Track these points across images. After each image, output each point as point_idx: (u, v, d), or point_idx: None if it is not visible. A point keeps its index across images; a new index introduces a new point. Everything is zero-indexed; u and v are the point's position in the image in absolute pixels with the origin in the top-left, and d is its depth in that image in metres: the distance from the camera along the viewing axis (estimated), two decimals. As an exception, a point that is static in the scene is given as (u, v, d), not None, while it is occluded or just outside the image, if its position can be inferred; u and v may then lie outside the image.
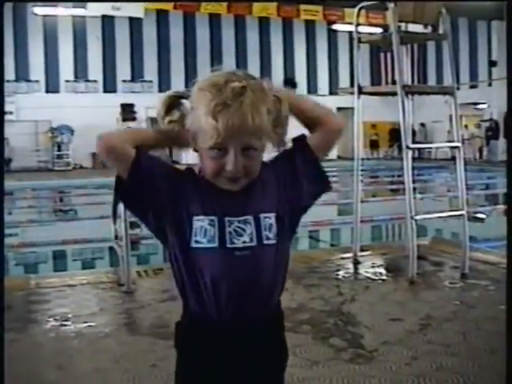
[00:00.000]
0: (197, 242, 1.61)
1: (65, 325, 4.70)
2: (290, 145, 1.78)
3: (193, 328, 1.69)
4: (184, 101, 1.67)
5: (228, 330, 1.63)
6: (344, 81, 32.27)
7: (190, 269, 1.63)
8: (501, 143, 27.37)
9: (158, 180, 1.64)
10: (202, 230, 1.61)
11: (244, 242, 1.61)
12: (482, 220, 10.13)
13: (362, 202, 6.99)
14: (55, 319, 4.83)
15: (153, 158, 1.67)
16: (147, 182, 1.63)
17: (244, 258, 1.60)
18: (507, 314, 2.98)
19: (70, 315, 4.94)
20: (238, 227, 1.61)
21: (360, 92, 6.59)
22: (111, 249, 7.15)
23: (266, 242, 1.63)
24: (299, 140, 1.82)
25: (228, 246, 1.60)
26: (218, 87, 1.53)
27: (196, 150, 1.66)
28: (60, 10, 26.83)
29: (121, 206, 5.76)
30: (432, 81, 32.39)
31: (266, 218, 1.64)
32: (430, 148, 28.43)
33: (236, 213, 1.62)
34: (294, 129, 1.85)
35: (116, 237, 6.24)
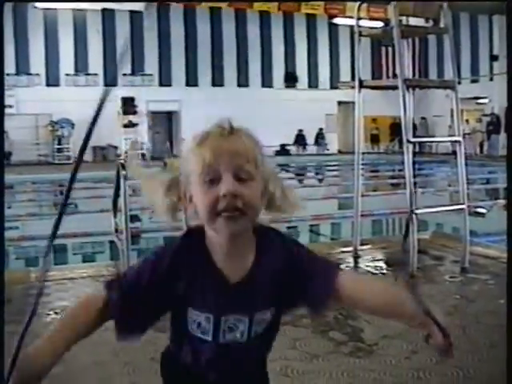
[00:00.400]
0: (192, 329, 1.60)
1: (65, 318, 4.70)
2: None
3: (175, 367, 1.78)
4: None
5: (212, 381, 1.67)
6: (345, 75, 32.25)
7: (181, 336, 1.66)
8: (502, 138, 27.36)
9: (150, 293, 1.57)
10: (197, 323, 1.59)
11: (235, 338, 1.59)
12: (482, 214, 10.13)
13: (362, 196, 6.99)
14: (55, 312, 4.83)
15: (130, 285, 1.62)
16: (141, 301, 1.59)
17: (234, 349, 1.61)
18: (507, 307, 2.98)
19: (70, 308, 4.93)
20: (233, 324, 1.58)
21: (361, 86, 6.58)
22: (111, 242, 7.15)
23: (255, 335, 1.61)
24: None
25: (221, 341, 1.59)
26: (205, 136, 1.51)
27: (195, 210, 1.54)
28: (60, 4, 26.80)
29: (121, 200, 5.76)
30: (433, 75, 32.38)
31: (260, 315, 1.60)
32: (431, 142, 28.38)
33: (232, 310, 1.57)
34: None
35: (116, 230, 6.24)
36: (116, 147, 28.85)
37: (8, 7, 25.85)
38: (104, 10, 28.54)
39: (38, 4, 26.81)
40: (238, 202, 1.44)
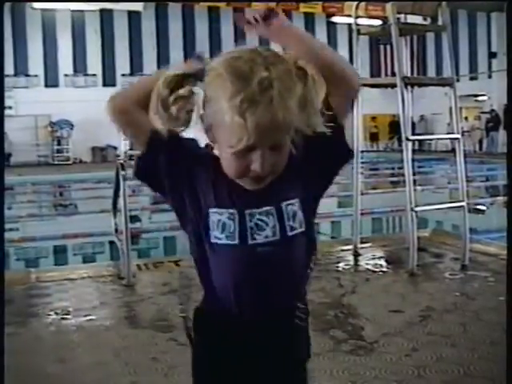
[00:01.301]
0: (215, 237, 1.47)
1: (65, 318, 4.71)
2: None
3: (212, 317, 1.57)
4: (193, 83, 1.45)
5: (250, 323, 1.51)
6: (343, 73, 32.21)
7: (209, 262, 1.50)
8: (501, 135, 27.35)
9: (176, 155, 1.49)
10: (220, 224, 1.46)
11: (266, 237, 1.46)
12: (482, 212, 10.13)
13: (362, 194, 6.99)
14: (56, 313, 4.84)
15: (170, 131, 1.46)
16: (166, 154, 1.48)
17: (267, 255, 1.46)
18: (507, 305, 2.99)
19: (70, 309, 4.95)
20: (260, 220, 1.46)
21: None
22: (111, 243, 7.16)
23: (290, 233, 1.48)
24: (337, 129, 1.51)
25: (250, 242, 1.46)
26: (242, 77, 1.33)
27: (212, 142, 1.46)
28: (58, 4, 26.79)
29: (121, 200, 5.77)
30: (432, 72, 32.35)
31: (288, 205, 1.48)
32: (430, 140, 28.40)
33: (257, 203, 1.46)
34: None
35: (116, 230, 6.24)
36: (115, 148, 28.81)
37: (6, 8, 25.83)
38: (102, 11, 28.52)
39: (35, 5, 26.78)
40: (269, 170, 1.39)
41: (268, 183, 1.44)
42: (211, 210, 1.47)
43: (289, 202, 1.48)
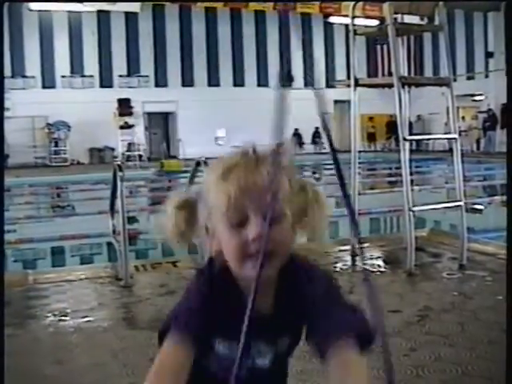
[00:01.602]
0: (218, 352, 1.50)
1: (63, 320, 4.71)
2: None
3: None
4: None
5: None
6: (340, 73, 32.27)
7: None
8: (498, 134, 27.38)
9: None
10: (226, 348, 1.49)
11: (263, 364, 1.53)
12: (479, 211, 10.14)
13: (359, 194, 7.00)
14: (54, 314, 4.83)
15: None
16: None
17: (258, 372, 1.54)
18: (507, 303, 2.99)
19: (68, 310, 4.94)
20: (259, 352, 1.51)
21: (356, 84, 6.58)
22: (109, 244, 7.17)
23: (281, 359, 1.57)
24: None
25: (248, 366, 1.51)
26: (229, 163, 1.35)
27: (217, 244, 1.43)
28: (55, 5, 26.79)
29: (118, 201, 5.77)
30: (428, 72, 32.39)
31: (285, 339, 1.53)
32: (428, 140, 28.42)
33: (260, 339, 1.48)
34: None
35: (114, 232, 6.24)
36: (113, 149, 28.83)
37: (3, 9, 25.82)
38: (99, 12, 28.51)
39: (32, 6, 26.77)
40: (267, 244, 1.27)
41: (273, 314, 1.45)
42: (216, 340, 1.48)
43: (288, 336, 1.53)
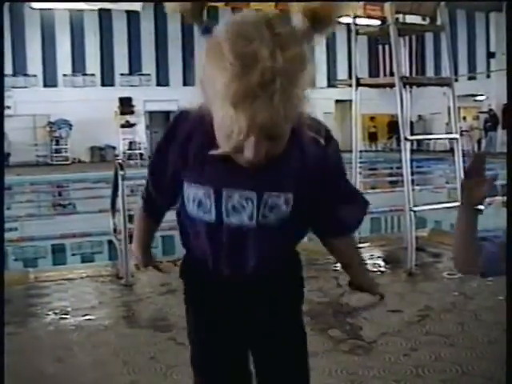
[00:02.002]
0: (192, 210, 1.48)
1: (64, 318, 4.71)
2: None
3: (191, 271, 1.66)
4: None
5: (229, 278, 1.54)
6: (342, 73, 32.24)
7: (187, 227, 1.55)
8: (499, 135, 27.38)
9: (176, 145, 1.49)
10: (197, 200, 1.45)
11: (241, 220, 1.44)
12: (480, 211, 10.09)
13: (360, 194, 6.99)
14: (55, 313, 4.83)
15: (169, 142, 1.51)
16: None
17: (242, 235, 1.46)
18: (507, 303, 2.99)
19: (69, 309, 4.95)
20: (238, 202, 1.42)
21: (358, 84, 6.58)
22: (110, 242, 7.16)
23: (265, 221, 1.45)
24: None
25: (225, 221, 1.45)
26: (243, 60, 1.19)
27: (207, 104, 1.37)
28: (57, 4, 26.79)
29: (119, 200, 5.77)
30: (430, 72, 32.38)
31: (272, 196, 1.43)
32: (429, 140, 28.39)
33: (236, 183, 1.41)
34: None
35: (115, 230, 6.24)
36: (114, 147, 28.83)
37: (4, 8, 25.82)
38: (101, 10, 28.51)
39: (34, 4, 26.77)
40: (263, 158, 1.30)
41: (260, 168, 1.36)
42: (188, 185, 1.46)
43: (274, 194, 1.44)
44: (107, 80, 30.21)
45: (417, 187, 9.69)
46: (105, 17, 29.64)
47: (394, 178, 16.18)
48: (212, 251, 1.51)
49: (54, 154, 28.44)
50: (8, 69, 27.54)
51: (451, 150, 6.69)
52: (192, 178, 1.45)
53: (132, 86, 30.27)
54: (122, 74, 30.57)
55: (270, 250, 1.52)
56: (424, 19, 7.13)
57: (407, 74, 7.15)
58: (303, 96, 1.29)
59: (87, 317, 4.73)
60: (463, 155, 6.35)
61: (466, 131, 26.67)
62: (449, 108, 6.63)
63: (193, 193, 1.46)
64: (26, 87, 28.52)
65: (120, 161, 6.01)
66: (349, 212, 1.57)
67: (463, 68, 30.85)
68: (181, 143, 1.47)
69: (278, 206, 1.45)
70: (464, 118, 28.19)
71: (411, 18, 7.14)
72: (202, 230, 1.49)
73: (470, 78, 31.19)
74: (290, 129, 1.33)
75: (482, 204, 1.65)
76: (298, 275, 1.70)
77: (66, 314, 4.80)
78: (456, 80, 6.60)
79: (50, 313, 4.84)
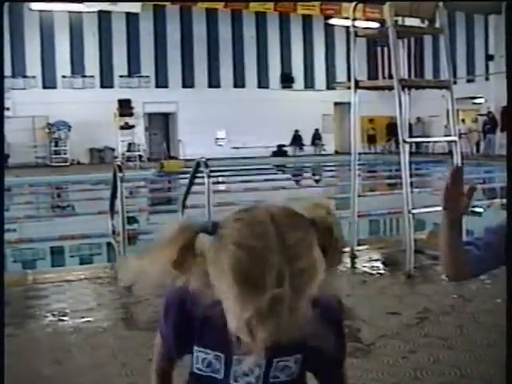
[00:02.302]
0: (199, 369, 1.46)
1: (62, 320, 4.71)
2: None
3: None
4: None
5: None
6: (341, 75, 32.26)
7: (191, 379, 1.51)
8: (498, 137, 27.38)
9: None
10: (206, 362, 1.44)
11: (249, 381, 1.42)
12: (479, 214, 10.12)
13: (359, 196, 7.01)
14: (53, 314, 4.83)
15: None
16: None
17: None
18: (507, 305, 2.99)
19: (67, 310, 4.94)
20: (248, 368, 1.40)
21: (357, 86, 6.59)
22: (109, 244, 7.17)
23: (272, 380, 1.43)
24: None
25: (231, 382, 1.43)
26: (252, 285, 1.16)
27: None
28: (56, 5, 26.81)
29: (118, 202, 5.77)
30: (429, 75, 32.41)
31: (280, 361, 1.42)
32: (428, 142, 28.42)
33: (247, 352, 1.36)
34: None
35: (113, 232, 6.25)
36: (113, 149, 28.83)
37: (4, 9, 25.82)
38: (100, 12, 28.52)
39: (33, 6, 26.78)
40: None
41: None
42: (196, 348, 1.45)
43: (282, 358, 1.42)
44: (106, 82, 30.22)
45: (415, 189, 9.69)
46: (104, 18, 29.64)
47: (392, 181, 16.18)
48: None
49: (53, 156, 28.43)
50: (7, 70, 27.53)
51: (450, 153, 6.69)
52: (204, 343, 1.45)
53: (131, 87, 30.28)
54: (121, 76, 30.57)
55: None
56: (423, 22, 7.14)
57: (406, 77, 7.15)
58: (312, 293, 1.24)
59: (86, 319, 4.73)
60: (462, 158, 6.36)
61: (464, 134, 26.69)
62: (447, 110, 6.64)
63: (201, 356, 1.45)
64: (24, 89, 28.53)
65: (119, 163, 6.02)
66: None
67: (462, 70, 30.87)
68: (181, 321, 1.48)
69: (288, 368, 1.44)
70: (463, 121, 28.22)
71: (410, 21, 7.15)
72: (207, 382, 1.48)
73: (468, 81, 31.21)
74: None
75: (465, 213, 1.67)
76: None
77: (65, 316, 4.80)
78: (455, 82, 6.61)
79: (48, 314, 4.84)
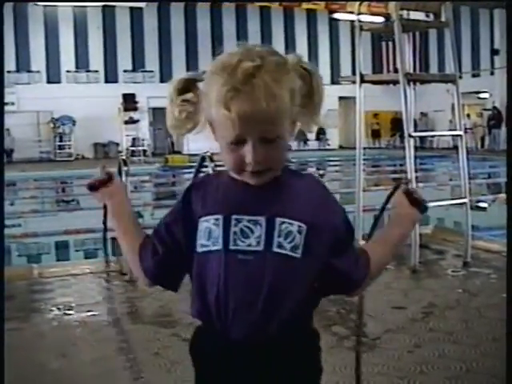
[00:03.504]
0: (202, 245, 1.44)
1: (68, 314, 4.72)
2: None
3: (200, 335, 1.51)
4: (199, 84, 1.48)
5: (234, 341, 1.41)
6: (346, 70, 32.21)
7: (196, 274, 1.46)
8: (503, 132, 27.30)
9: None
10: (207, 232, 1.42)
11: (249, 245, 1.39)
12: (484, 209, 10.11)
13: (364, 191, 6.98)
14: (58, 308, 4.84)
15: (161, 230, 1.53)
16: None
17: (248, 264, 1.39)
18: (507, 301, 2.99)
19: (73, 304, 4.95)
20: (246, 226, 1.40)
21: (362, 81, 6.56)
22: (113, 239, 7.15)
23: (276, 249, 1.39)
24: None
25: (231, 247, 1.40)
26: (229, 69, 1.34)
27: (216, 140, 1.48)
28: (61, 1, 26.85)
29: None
30: (434, 69, 32.33)
31: (284, 223, 1.40)
32: (432, 137, 28.35)
33: (247, 210, 1.41)
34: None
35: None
36: (117, 144, 28.86)
37: (8, 4, 25.83)
38: (104, 7, 28.52)
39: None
40: (264, 164, 1.38)
41: (267, 192, 1.42)
42: (201, 220, 1.45)
43: (285, 220, 1.41)
44: (111, 76, 30.23)
45: (420, 184, 9.67)
46: (108, 13, 29.65)
47: (397, 175, 16.16)
48: (217, 294, 1.42)
49: (58, 151, 28.48)
50: (11, 65, 27.59)
51: (454, 148, 6.67)
52: (205, 211, 1.46)
53: (135, 82, 30.29)
54: (125, 71, 30.58)
55: (278, 293, 1.42)
56: (428, 16, 7.12)
57: (411, 71, 7.13)
58: (292, 112, 1.40)
59: (91, 313, 4.73)
60: (467, 152, 6.34)
61: (469, 129, 26.64)
62: (452, 105, 6.62)
63: (204, 226, 1.45)
64: (29, 83, 28.56)
65: (123, 157, 6.01)
66: (357, 267, 1.57)
67: (467, 65, 30.79)
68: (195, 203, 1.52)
69: (291, 234, 1.41)
70: (468, 116, 28.16)
71: (415, 15, 7.13)
72: (208, 267, 1.43)
73: (473, 75, 31.12)
74: (287, 138, 1.42)
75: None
76: (315, 355, 1.63)
77: (70, 310, 4.80)
78: (460, 77, 6.59)
79: (53, 308, 4.85)
